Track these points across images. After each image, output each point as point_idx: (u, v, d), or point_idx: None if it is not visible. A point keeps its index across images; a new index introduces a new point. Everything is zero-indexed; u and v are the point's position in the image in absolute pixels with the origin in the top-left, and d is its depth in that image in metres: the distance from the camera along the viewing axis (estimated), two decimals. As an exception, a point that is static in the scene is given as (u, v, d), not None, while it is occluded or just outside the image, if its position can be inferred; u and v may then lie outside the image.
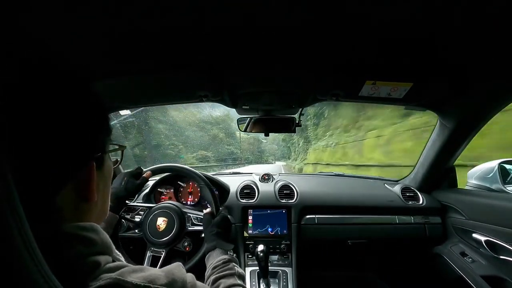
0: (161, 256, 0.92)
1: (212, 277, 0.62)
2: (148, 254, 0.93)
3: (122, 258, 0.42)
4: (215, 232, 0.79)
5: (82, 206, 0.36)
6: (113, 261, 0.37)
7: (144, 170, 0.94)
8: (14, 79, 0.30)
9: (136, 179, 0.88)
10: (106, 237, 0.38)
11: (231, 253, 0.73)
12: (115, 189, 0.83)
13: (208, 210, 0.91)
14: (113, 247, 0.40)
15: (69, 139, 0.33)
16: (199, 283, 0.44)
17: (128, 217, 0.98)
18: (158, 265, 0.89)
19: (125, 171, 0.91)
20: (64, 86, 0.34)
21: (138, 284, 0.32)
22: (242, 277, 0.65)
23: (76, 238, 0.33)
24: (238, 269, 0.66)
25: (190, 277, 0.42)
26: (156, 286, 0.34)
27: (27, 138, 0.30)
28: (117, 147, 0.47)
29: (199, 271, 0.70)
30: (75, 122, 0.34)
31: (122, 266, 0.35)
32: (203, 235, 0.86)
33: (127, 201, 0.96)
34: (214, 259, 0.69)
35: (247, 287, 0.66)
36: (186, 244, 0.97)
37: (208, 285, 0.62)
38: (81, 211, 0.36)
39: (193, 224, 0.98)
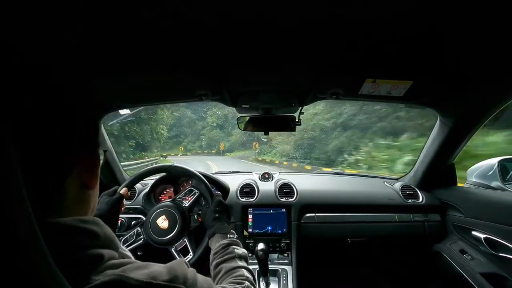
0: (185, 244, 0.92)
1: (214, 263, 0.64)
2: (174, 253, 0.92)
3: (129, 254, 0.42)
4: (213, 218, 0.80)
5: (83, 195, 0.39)
6: (119, 257, 0.37)
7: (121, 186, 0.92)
8: (18, 83, 0.30)
9: (111, 196, 0.87)
10: (109, 231, 0.38)
11: (231, 236, 0.74)
12: (98, 211, 0.79)
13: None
14: (118, 242, 0.40)
15: (80, 129, 0.38)
16: (200, 277, 0.45)
17: (126, 235, 0.95)
18: (190, 251, 0.91)
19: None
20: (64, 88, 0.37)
21: (141, 280, 0.33)
22: (243, 258, 0.66)
23: (78, 230, 0.34)
24: (238, 250, 0.67)
25: (191, 272, 0.43)
26: (158, 282, 0.34)
27: (39, 132, 0.31)
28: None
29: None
30: (80, 115, 0.38)
31: (126, 263, 0.35)
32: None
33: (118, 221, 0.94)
34: (215, 244, 0.70)
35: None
36: (196, 217, 0.97)
37: (212, 271, 0.64)
38: (81, 201, 0.38)
39: (188, 199, 0.97)
